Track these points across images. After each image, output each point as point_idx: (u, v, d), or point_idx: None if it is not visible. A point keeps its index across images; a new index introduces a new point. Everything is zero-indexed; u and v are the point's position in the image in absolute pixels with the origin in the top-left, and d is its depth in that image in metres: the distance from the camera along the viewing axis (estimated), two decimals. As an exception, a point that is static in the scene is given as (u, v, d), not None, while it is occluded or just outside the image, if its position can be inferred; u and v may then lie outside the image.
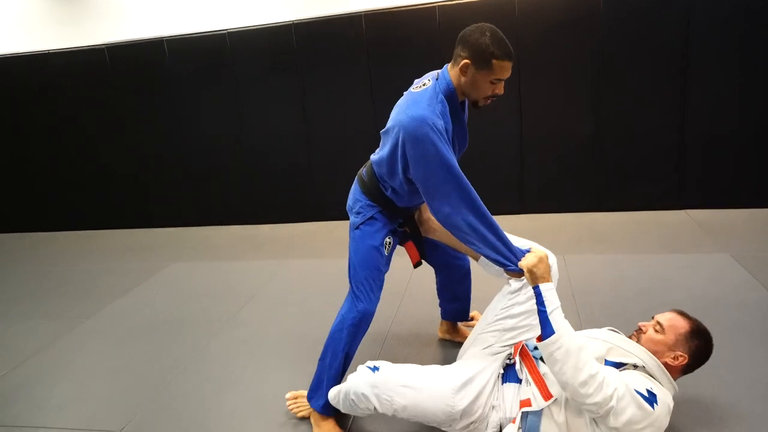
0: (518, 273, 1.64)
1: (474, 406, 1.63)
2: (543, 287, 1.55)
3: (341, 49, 4.20)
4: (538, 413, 1.58)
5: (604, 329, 1.76)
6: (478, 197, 1.63)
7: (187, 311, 3.12)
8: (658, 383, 1.55)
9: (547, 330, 1.50)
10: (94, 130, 4.87)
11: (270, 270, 3.63)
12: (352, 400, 1.70)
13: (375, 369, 1.68)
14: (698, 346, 1.61)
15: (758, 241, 3.29)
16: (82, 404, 2.27)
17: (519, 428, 1.60)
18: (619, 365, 1.57)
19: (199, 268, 3.87)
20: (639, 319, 2.27)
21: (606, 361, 1.59)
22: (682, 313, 1.67)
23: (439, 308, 2.41)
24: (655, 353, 1.59)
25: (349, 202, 1.96)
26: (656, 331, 1.63)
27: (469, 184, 1.62)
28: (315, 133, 4.46)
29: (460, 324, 2.43)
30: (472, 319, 2.41)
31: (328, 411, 1.88)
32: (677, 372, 1.63)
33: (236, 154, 4.67)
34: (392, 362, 1.75)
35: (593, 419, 1.51)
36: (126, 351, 2.72)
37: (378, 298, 1.91)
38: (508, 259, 1.64)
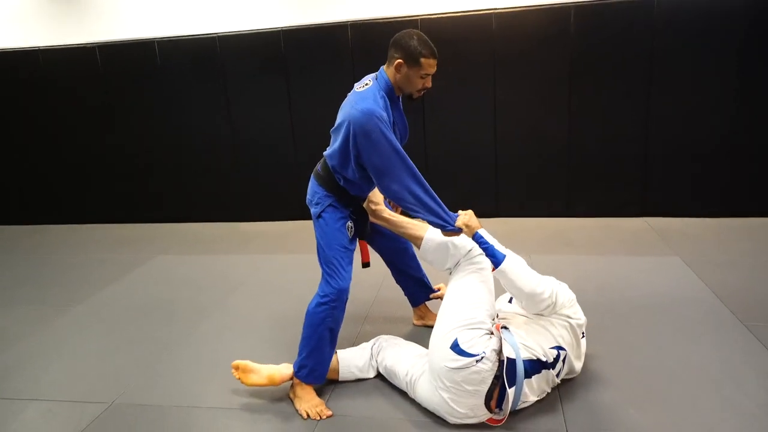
0: (456, 232, 1.98)
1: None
2: (480, 231, 1.95)
3: (328, 56, 4.41)
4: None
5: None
6: (419, 171, 1.93)
7: (175, 298, 3.28)
8: None
9: (498, 257, 1.91)
10: (85, 127, 4.99)
11: (256, 263, 3.81)
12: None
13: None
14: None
15: (707, 247, 3.59)
16: (76, 380, 2.42)
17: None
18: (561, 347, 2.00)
19: (187, 260, 4.02)
20: (594, 312, 2.54)
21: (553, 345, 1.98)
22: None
23: (407, 298, 2.64)
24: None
25: (308, 196, 2.18)
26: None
27: (411, 161, 1.91)
28: (301, 135, 4.65)
29: (428, 304, 2.66)
30: (438, 290, 2.63)
31: (307, 381, 2.07)
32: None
33: (225, 154, 4.84)
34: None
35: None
36: (117, 333, 2.87)
37: (350, 275, 2.10)
38: (446, 222, 1.96)
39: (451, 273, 2.13)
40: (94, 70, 4.80)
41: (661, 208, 4.28)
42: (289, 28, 4.43)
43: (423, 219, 1.99)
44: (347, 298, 2.10)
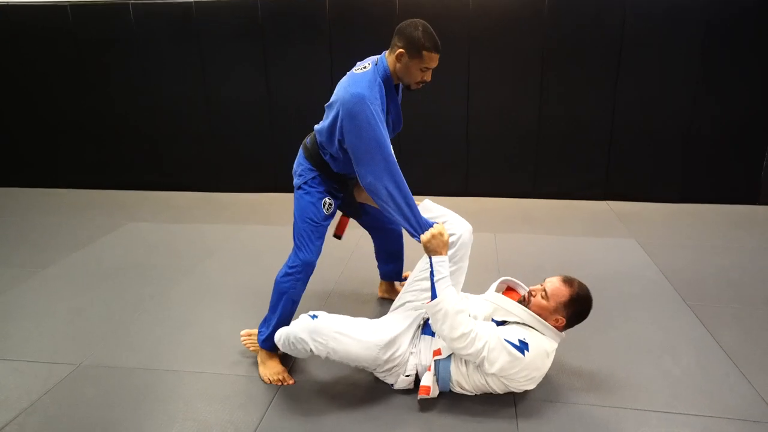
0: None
1: (395, 355, 1.94)
2: (435, 260, 1.86)
3: (305, 27, 4.38)
4: (448, 360, 1.92)
5: (494, 290, 2.06)
6: (400, 172, 1.90)
7: (146, 263, 3.32)
8: (538, 333, 1.85)
9: (432, 295, 1.83)
10: (56, 88, 4.88)
11: (228, 232, 3.86)
12: (292, 342, 1.87)
13: (314, 317, 1.91)
14: (574, 311, 1.86)
15: (662, 230, 3.77)
16: (44, 340, 2.47)
17: (434, 375, 1.93)
18: (502, 323, 1.90)
19: (158, 227, 4.04)
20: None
21: (493, 319, 1.92)
22: (566, 280, 1.87)
23: (378, 270, 2.73)
24: (540, 315, 1.86)
25: (294, 166, 2.22)
26: (542, 297, 1.86)
27: (394, 159, 1.90)
28: (277, 105, 4.65)
29: (396, 283, 2.75)
30: (405, 278, 2.73)
31: (275, 350, 2.16)
32: (561, 329, 1.90)
33: (199, 122, 4.81)
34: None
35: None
36: (86, 295, 2.91)
37: (318, 249, 2.17)
38: (415, 230, 1.92)
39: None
40: (66, 30, 4.69)
41: (623, 192, 4.44)
42: (267, -3, 4.39)
43: (392, 218, 1.96)
44: (311, 272, 2.16)
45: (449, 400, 1.96)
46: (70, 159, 5.10)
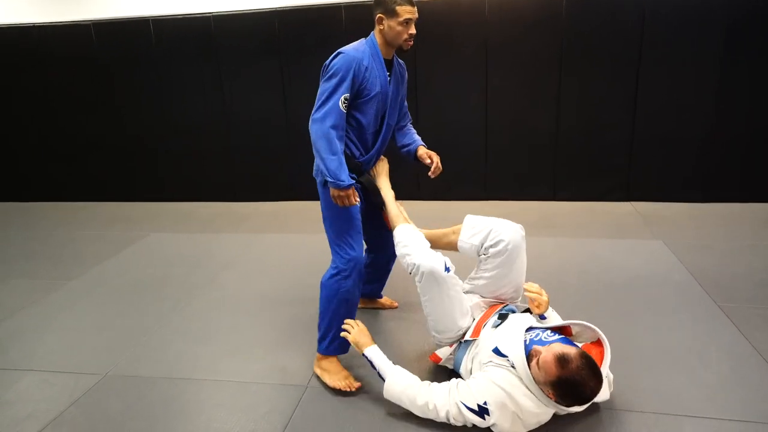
0: (341, 189, 1.97)
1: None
2: (367, 353, 1.93)
3: (322, 37, 4.42)
4: (467, 344, 1.96)
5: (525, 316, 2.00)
6: (333, 132, 1.97)
7: (167, 275, 3.36)
8: (525, 388, 1.68)
9: (381, 378, 1.89)
10: (82, 105, 5.00)
11: (247, 242, 3.88)
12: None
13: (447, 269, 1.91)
14: (560, 395, 1.64)
15: (689, 230, 3.67)
16: (70, 352, 2.50)
17: (451, 354, 2.01)
18: (501, 354, 1.76)
19: (179, 238, 4.09)
20: (575, 292, 2.62)
21: (496, 347, 1.79)
22: (561, 358, 1.61)
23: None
24: (535, 379, 1.67)
25: (315, 168, 2.13)
26: (536, 363, 1.66)
27: (337, 118, 1.97)
28: (294, 116, 4.69)
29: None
30: (381, 297, 2.71)
31: (329, 352, 2.12)
32: (555, 401, 1.67)
33: (219, 134, 4.87)
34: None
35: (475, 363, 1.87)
36: (110, 308, 2.95)
37: (361, 243, 2.12)
38: (334, 179, 1.95)
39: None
40: (89, 48, 4.80)
41: (646, 194, 4.35)
42: (284, 8, 4.44)
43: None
44: (361, 267, 2.11)
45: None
46: (93, 174, 5.21)
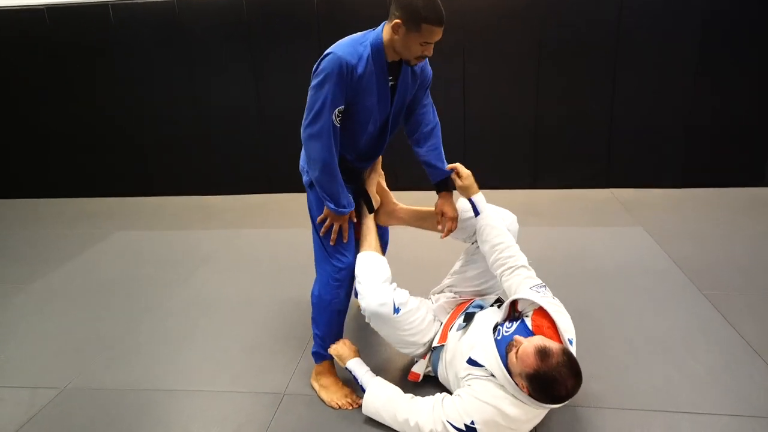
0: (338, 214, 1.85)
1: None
2: (349, 365, 1.88)
3: (293, 25, 4.23)
4: (439, 349, 1.87)
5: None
6: (330, 147, 1.72)
7: (137, 275, 3.18)
8: (504, 394, 1.57)
9: (362, 389, 1.82)
10: (38, 94, 4.71)
11: (221, 239, 3.71)
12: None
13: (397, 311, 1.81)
14: (535, 389, 1.51)
15: (667, 216, 3.66)
16: (29, 362, 2.32)
17: (428, 365, 1.93)
18: (477, 364, 1.65)
19: (148, 234, 3.90)
20: (559, 281, 2.55)
21: (469, 358, 1.67)
22: (541, 351, 1.50)
23: None
24: (510, 371, 1.57)
25: (301, 162, 1.97)
26: (515, 353, 1.56)
27: (328, 128, 1.71)
28: (266, 106, 4.50)
29: None
30: None
31: (320, 360, 2.01)
32: (530, 396, 1.54)
33: (186, 125, 4.65)
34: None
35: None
36: (76, 311, 2.77)
37: (353, 247, 1.95)
38: (336, 206, 1.81)
39: None
40: (44, 34, 4.51)
41: (625, 180, 4.34)
42: (251, -8, 4.24)
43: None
44: (352, 275, 1.94)
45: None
46: (53, 167, 4.93)
